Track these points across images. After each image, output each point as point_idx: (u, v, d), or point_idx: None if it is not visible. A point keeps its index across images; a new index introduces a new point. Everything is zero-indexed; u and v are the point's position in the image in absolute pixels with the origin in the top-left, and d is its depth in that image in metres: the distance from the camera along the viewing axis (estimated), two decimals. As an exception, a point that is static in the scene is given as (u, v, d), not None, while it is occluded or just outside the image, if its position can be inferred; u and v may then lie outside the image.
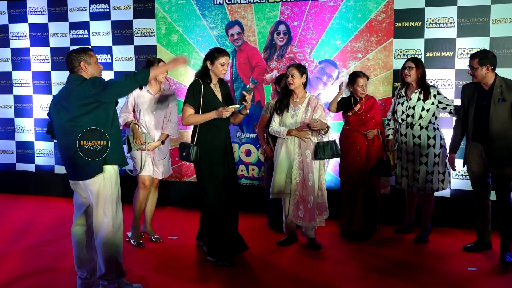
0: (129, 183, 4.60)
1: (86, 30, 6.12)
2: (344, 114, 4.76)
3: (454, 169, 4.41)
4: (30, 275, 3.86)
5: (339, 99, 4.70)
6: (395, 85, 5.05)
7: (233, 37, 5.59)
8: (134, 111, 4.50)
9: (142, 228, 4.70)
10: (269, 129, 4.42)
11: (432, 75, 4.92)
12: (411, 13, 5.01)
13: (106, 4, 6.01)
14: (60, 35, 6.24)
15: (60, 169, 6.31)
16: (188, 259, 4.27)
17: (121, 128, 3.84)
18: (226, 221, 4.05)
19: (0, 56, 6.52)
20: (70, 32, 6.19)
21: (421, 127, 4.44)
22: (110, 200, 3.32)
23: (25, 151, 6.54)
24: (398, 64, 4.95)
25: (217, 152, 4.04)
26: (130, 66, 5.98)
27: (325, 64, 5.32)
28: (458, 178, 4.99)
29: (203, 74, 4.04)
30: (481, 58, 3.96)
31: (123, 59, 6.00)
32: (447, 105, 4.42)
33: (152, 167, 4.51)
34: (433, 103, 4.41)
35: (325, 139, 4.39)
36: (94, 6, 6.06)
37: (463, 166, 4.37)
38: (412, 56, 4.93)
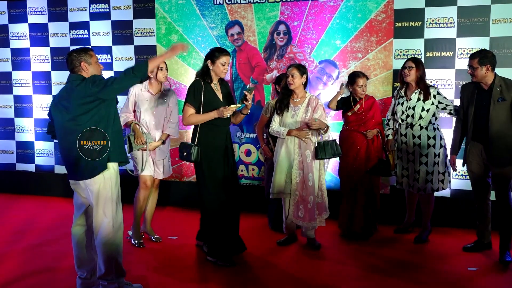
0: (129, 183, 4.60)
1: (86, 30, 6.12)
2: (344, 114, 4.76)
3: (455, 170, 4.42)
4: (30, 275, 3.86)
5: (339, 98, 4.72)
6: (395, 85, 5.04)
7: (233, 37, 5.59)
8: (134, 111, 4.50)
9: (142, 228, 4.70)
10: (269, 129, 4.42)
11: (432, 75, 4.92)
12: (411, 13, 5.01)
13: (106, 4, 6.01)
14: (60, 35, 6.24)
15: (60, 169, 6.31)
16: (188, 259, 4.27)
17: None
18: (226, 221, 4.05)
19: (0, 56, 6.52)
20: (70, 32, 6.18)
21: (421, 127, 4.44)
22: (110, 200, 3.32)
23: (25, 151, 6.54)
24: (398, 64, 4.95)
25: (218, 152, 4.03)
26: (130, 66, 5.98)
27: (325, 64, 5.32)
28: (458, 178, 4.99)
29: (204, 74, 4.03)
30: (481, 57, 3.97)
31: (123, 59, 6.00)
32: (446, 105, 4.43)
33: (153, 167, 4.51)
34: (433, 104, 4.41)
35: (325, 139, 4.39)
36: (94, 6, 6.06)
37: (463, 166, 4.37)
38: (412, 56, 4.93)
